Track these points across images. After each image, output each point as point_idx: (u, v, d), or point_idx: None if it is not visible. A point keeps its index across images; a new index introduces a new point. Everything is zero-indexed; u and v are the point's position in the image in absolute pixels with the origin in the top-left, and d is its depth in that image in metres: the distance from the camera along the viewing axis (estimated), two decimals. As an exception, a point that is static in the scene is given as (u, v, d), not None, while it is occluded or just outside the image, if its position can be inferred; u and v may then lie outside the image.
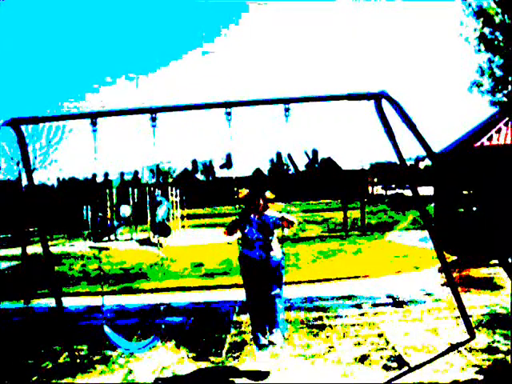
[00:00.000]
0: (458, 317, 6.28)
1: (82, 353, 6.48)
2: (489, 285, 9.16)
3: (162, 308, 5.87)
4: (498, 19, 10.58)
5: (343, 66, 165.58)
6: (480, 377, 5.11)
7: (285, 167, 78.32)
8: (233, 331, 7.09)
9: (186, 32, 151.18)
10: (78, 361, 6.21)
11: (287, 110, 5.51)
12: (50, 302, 7.52)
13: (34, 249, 16.13)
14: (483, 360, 5.50)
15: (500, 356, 5.58)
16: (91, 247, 19.22)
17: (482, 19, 10.83)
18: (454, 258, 11.94)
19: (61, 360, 6.29)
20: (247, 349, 6.31)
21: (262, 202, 5.97)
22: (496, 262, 10.12)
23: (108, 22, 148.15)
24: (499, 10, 10.58)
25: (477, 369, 5.29)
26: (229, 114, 5.45)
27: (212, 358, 6.07)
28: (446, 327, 6.74)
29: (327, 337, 6.65)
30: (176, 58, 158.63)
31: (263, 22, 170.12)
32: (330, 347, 6.24)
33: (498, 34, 10.73)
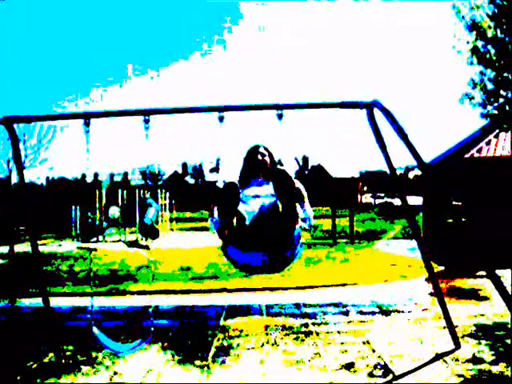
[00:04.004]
0: (444, 327, 6.32)
1: (68, 353, 6.45)
2: (475, 296, 9.23)
3: (149, 310, 5.84)
4: (490, 33, 10.67)
5: (336, 72, 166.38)
6: (464, 386, 5.15)
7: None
8: (219, 335, 7.08)
9: (185, 34, 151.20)
10: (64, 361, 6.17)
11: (280, 115, 5.50)
12: (37, 301, 7.48)
13: (22, 247, 16.05)
14: (468, 370, 5.54)
15: (485, 366, 5.62)
16: (79, 248, 19.13)
17: (474, 32, 10.91)
18: (442, 268, 12.01)
19: (46, 360, 6.25)
20: (233, 353, 6.31)
21: (269, 159, 4.93)
22: (483, 273, 10.21)
23: (105, 22, 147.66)
24: (492, 24, 10.67)
25: (461, 379, 5.32)
26: (221, 118, 5.44)
27: (197, 362, 6.07)
28: (432, 336, 6.77)
29: (313, 343, 6.66)
30: (177, 59, 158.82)
31: (257, 25, 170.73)
32: (316, 354, 6.25)
33: (490, 47, 10.82)
